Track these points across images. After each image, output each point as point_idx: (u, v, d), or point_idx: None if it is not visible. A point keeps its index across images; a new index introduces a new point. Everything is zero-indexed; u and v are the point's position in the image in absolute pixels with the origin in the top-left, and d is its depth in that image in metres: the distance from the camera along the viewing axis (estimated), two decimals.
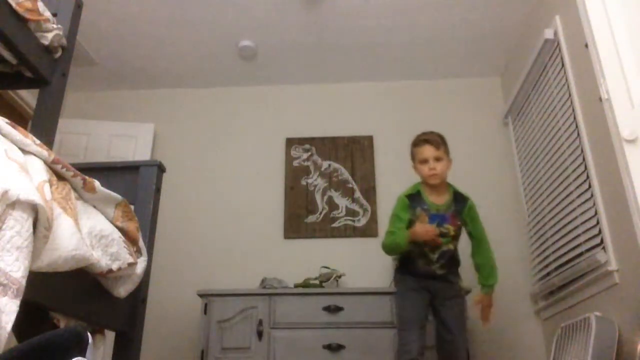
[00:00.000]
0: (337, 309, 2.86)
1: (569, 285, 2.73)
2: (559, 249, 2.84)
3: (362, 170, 3.75)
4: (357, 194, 3.68)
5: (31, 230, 1.02)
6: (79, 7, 2.04)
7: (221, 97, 4.06)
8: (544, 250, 3.06)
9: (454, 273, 2.49)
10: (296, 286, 3.12)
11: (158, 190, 1.92)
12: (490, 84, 3.94)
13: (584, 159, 2.56)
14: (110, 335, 1.73)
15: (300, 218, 3.64)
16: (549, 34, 2.86)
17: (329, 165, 3.79)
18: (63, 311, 1.40)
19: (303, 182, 3.75)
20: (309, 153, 3.83)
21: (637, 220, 2.05)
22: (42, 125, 1.81)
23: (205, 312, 2.89)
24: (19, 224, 0.98)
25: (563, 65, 2.76)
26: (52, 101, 1.88)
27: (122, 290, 1.54)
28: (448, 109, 3.85)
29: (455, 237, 2.46)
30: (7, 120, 1.16)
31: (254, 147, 3.88)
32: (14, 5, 1.64)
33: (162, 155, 3.67)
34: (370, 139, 3.82)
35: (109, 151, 3.73)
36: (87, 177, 1.37)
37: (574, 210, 2.66)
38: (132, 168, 1.93)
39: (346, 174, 3.76)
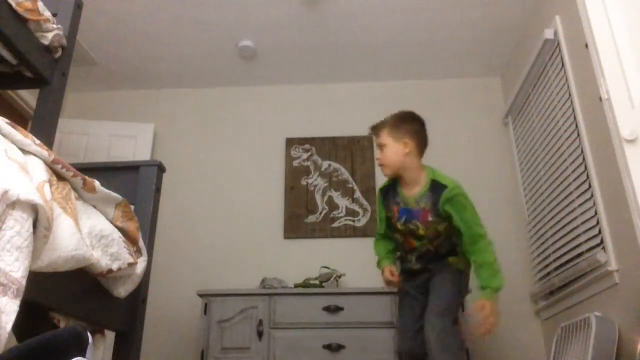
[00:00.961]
0: (337, 309, 2.86)
1: (569, 286, 2.73)
2: (559, 249, 2.83)
3: (362, 170, 3.75)
4: (357, 194, 3.69)
5: (31, 230, 1.01)
6: (78, 7, 2.04)
7: (221, 97, 4.06)
8: (544, 250, 3.06)
9: (438, 260, 2.13)
10: (296, 286, 3.12)
11: (158, 190, 1.92)
12: (490, 84, 3.94)
13: (584, 159, 2.56)
14: (110, 335, 1.72)
15: (300, 218, 3.64)
16: (549, 34, 2.86)
17: (329, 165, 3.79)
18: (63, 311, 1.39)
19: (303, 182, 3.75)
20: (309, 153, 3.83)
21: (637, 220, 2.05)
22: (42, 125, 1.81)
23: (205, 312, 2.89)
24: (19, 224, 0.97)
25: (563, 65, 2.76)
26: (52, 101, 1.88)
27: (122, 290, 1.54)
28: (448, 109, 3.85)
29: (437, 237, 2.06)
30: (7, 120, 1.16)
31: (254, 147, 3.88)
32: (14, 5, 1.64)
33: (162, 155, 3.68)
34: (370, 139, 3.81)
35: (109, 151, 3.73)
36: (87, 177, 1.36)
37: (574, 210, 2.66)
38: (132, 168, 1.93)
39: (346, 174, 3.76)
